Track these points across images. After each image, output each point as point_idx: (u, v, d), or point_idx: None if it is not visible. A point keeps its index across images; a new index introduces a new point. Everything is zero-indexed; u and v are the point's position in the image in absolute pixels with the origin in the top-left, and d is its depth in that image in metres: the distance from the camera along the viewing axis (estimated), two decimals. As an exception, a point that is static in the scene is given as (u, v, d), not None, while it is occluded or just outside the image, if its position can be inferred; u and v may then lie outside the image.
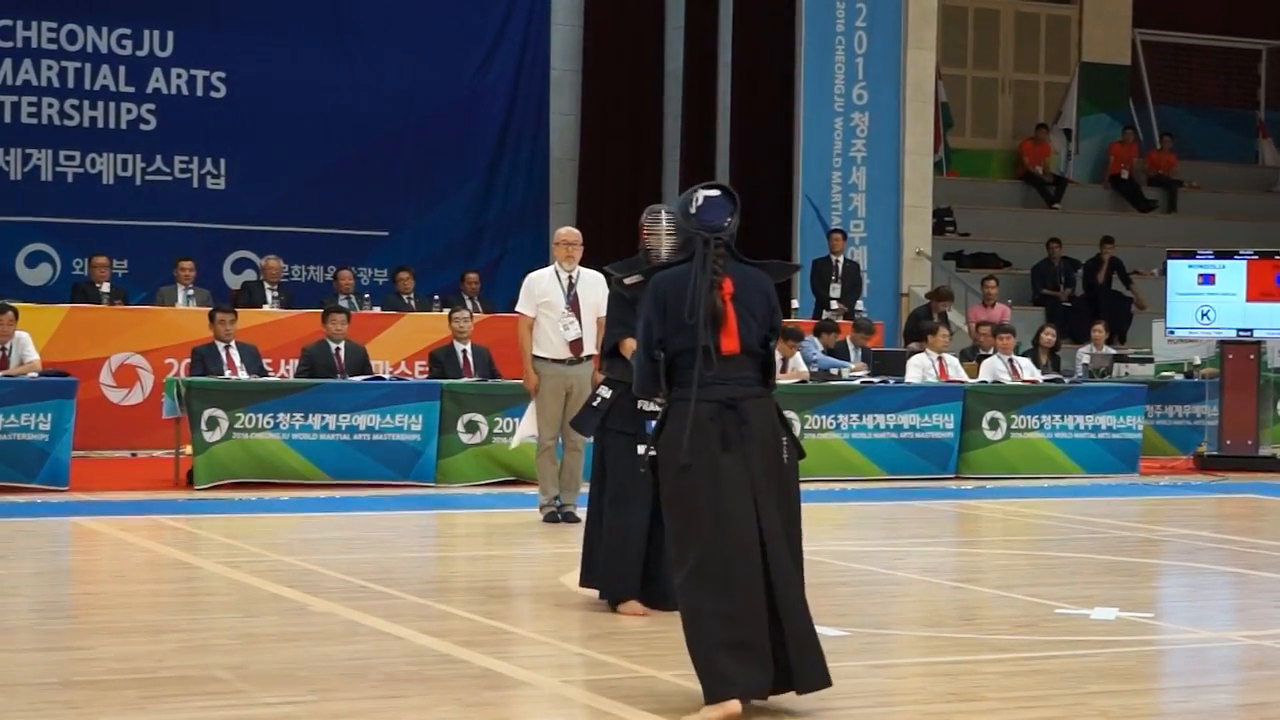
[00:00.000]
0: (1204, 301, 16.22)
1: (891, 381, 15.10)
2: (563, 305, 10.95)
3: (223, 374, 13.50)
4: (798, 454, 5.79)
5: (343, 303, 15.76)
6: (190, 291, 16.30)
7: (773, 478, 5.67)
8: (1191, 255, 16.45)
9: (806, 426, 14.21)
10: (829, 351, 16.12)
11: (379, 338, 15.60)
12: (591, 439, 8.17)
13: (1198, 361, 17.54)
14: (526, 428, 11.10)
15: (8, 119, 18.59)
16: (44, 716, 5.65)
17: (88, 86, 18.85)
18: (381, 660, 6.60)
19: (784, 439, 5.73)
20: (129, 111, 19.02)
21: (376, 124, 19.67)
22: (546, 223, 20.32)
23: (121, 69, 18.97)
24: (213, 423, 12.90)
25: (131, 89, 18.98)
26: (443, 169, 20.02)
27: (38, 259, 18.62)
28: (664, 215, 7.63)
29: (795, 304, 18.38)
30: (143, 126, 19.04)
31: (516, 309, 11.24)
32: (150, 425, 14.44)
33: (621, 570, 7.58)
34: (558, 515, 11.14)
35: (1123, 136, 24.79)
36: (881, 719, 5.93)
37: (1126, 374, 16.93)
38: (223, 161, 19.29)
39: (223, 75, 19.24)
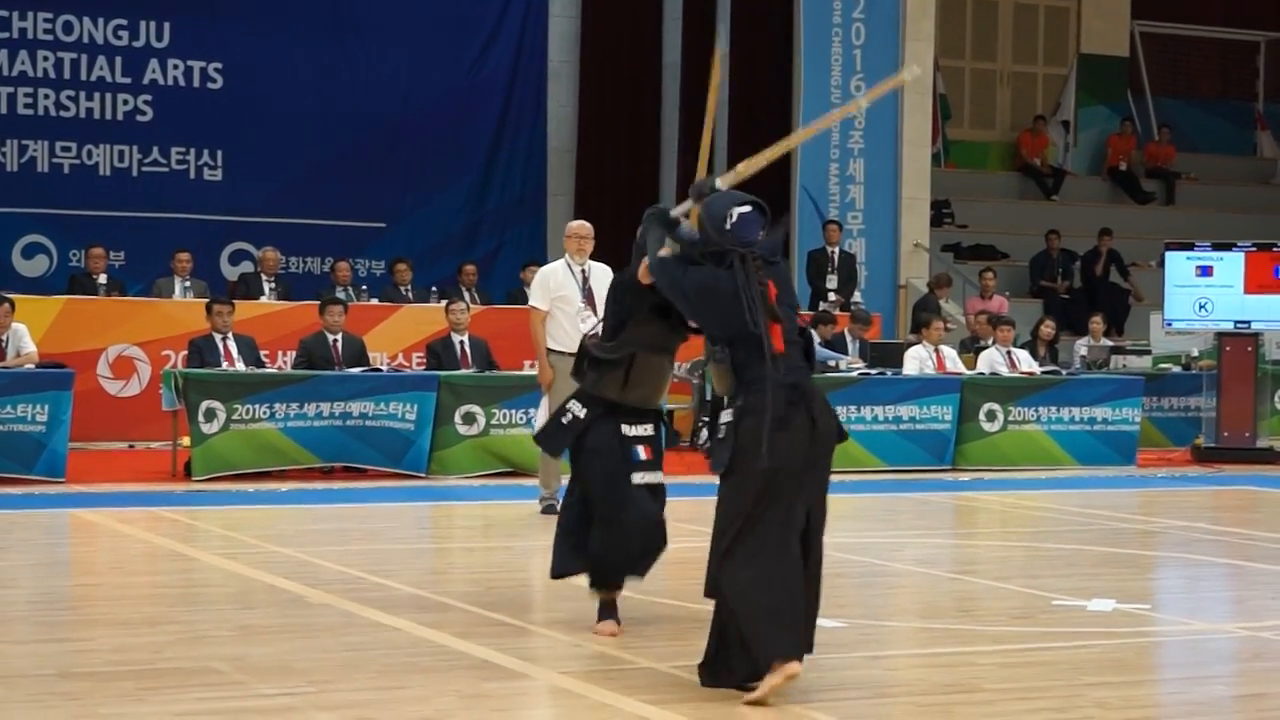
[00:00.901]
0: (1202, 293, 16.23)
1: (889, 373, 15.09)
2: (579, 299, 10.88)
3: (220, 366, 13.48)
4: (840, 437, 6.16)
5: (340, 294, 15.73)
6: (187, 283, 16.27)
7: (825, 467, 6.06)
8: (1189, 247, 16.45)
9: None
10: (827, 343, 16.09)
11: (376, 329, 15.58)
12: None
13: (1195, 353, 17.52)
14: (543, 421, 11.04)
15: (4, 110, 18.51)
16: (42, 708, 5.64)
17: (84, 77, 18.79)
18: (379, 651, 6.60)
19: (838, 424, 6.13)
20: (125, 103, 18.97)
21: (374, 115, 19.61)
22: (544, 214, 20.30)
23: (118, 60, 18.90)
24: (210, 414, 12.89)
25: (128, 80, 18.93)
26: (440, 161, 19.97)
27: (34, 250, 18.57)
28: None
29: (791, 297, 18.34)
30: (139, 118, 18.99)
31: (530, 303, 11.07)
32: (147, 417, 14.41)
33: (622, 564, 7.46)
34: (556, 508, 11.10)
35: (1121, 128, 24.78)
36: (879, 710, 5.94)
37: (1124, 366, 16.92)
38: (220, 153, 19.23)
39: (219, 66, 19.18)
